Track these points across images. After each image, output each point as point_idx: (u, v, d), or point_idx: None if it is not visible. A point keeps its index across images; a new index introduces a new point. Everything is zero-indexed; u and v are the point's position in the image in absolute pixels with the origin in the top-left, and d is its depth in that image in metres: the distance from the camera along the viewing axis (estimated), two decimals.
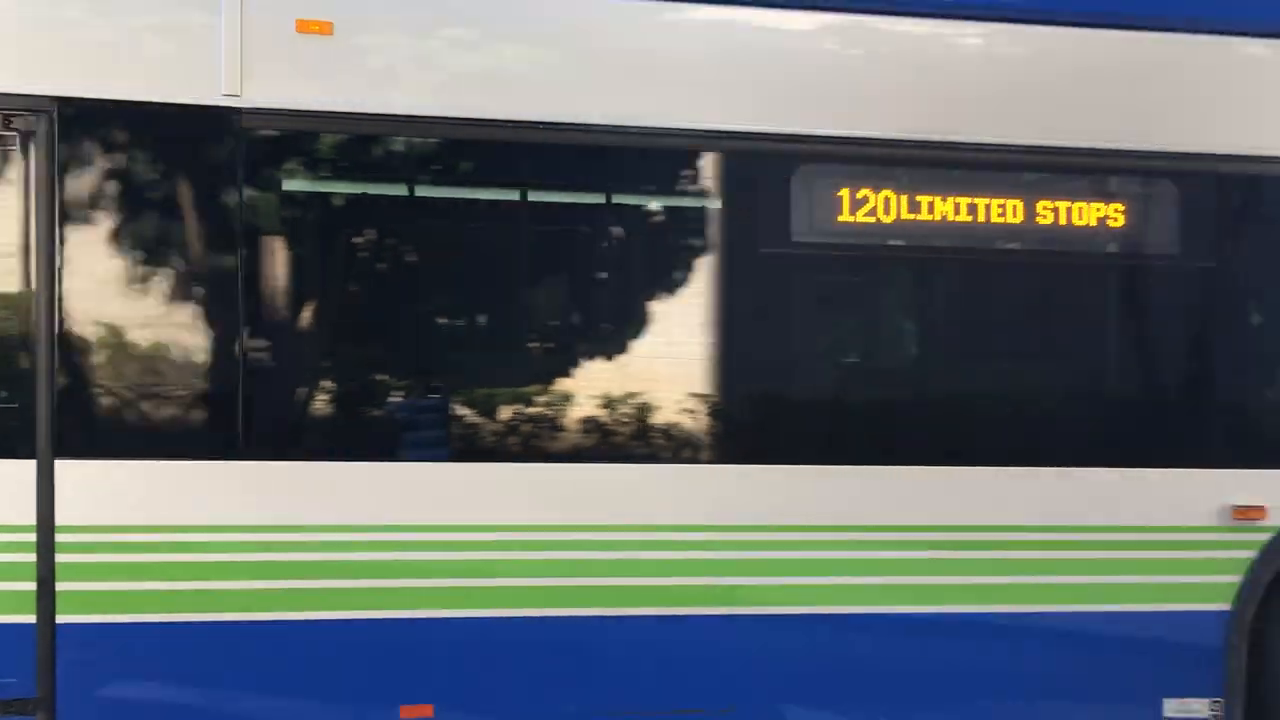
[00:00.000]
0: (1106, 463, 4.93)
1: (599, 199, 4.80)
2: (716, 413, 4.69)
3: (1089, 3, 5.03)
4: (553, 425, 4.59)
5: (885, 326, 5.21)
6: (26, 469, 4.25)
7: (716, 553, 4.63)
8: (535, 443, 4.57)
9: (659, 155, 4.73)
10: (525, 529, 4.48)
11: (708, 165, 4.76)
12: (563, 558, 4.51)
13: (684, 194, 4.82)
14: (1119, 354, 5.14)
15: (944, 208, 4.83)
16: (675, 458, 4.68)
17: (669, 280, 4.77)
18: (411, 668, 4.45)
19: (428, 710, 4.47)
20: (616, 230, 4.85)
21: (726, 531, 4.63)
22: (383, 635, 4.42)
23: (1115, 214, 4.98)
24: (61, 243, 4.26)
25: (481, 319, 4.89)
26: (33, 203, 4.26)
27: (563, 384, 4.64)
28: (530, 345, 4.79)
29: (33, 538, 4.24)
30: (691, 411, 4.67)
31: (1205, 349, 5.13)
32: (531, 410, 4.59)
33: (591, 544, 4.53)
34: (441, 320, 4.80)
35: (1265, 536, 4.95)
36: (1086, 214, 4.95)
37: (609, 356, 4.70)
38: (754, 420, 4.77)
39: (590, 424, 4.62)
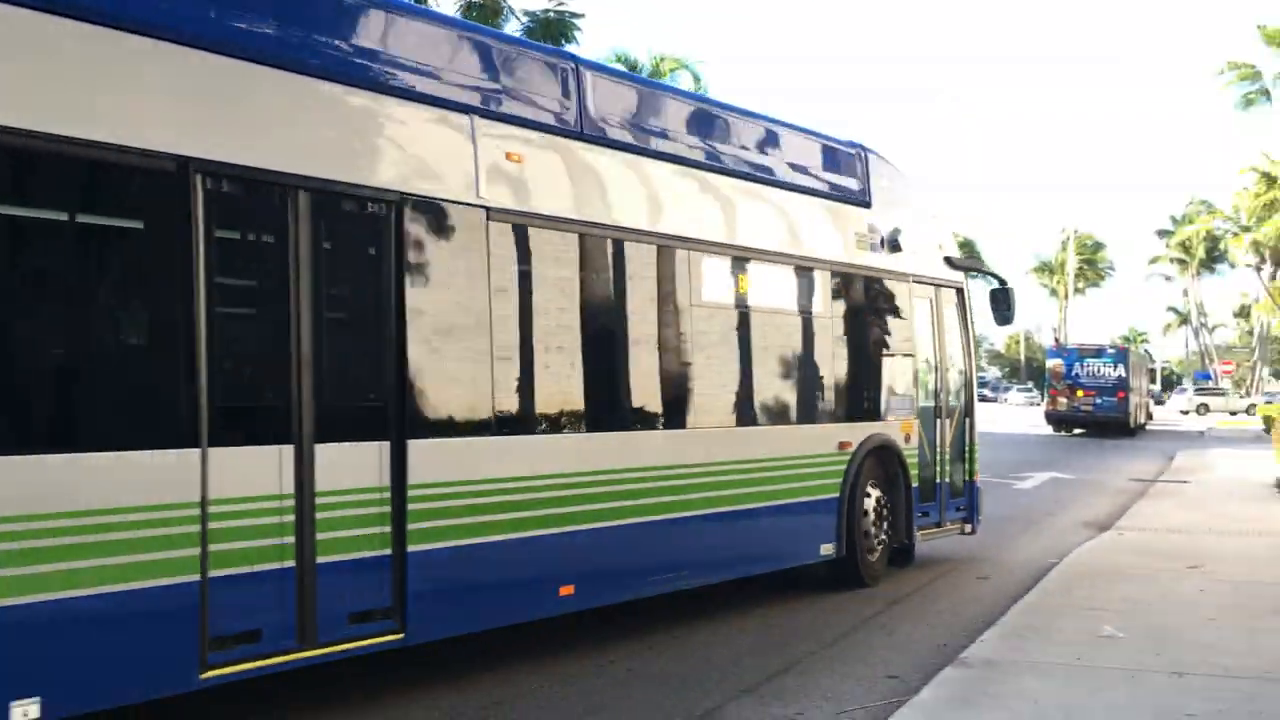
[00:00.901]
0: (786, 423, 9.23)
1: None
2: None
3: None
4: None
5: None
6: (385, 449, 6.19)
7: None
8: None
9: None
10: None
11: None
12: None
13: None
14: (810, 366, 9.47)
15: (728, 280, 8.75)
16: None
17: None
18: None
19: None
20: None
21: None
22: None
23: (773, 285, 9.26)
24: (407, 288, 6.30)
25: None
26: (390, 262, 6.24)
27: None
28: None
29: (388, 495, 6.19)
30: None
31: (824, 364, 9.66)
32: None
33: None
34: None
35: (848, 456, 9.66)
36: (783, 285, 9.20)
37: None
38: None
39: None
